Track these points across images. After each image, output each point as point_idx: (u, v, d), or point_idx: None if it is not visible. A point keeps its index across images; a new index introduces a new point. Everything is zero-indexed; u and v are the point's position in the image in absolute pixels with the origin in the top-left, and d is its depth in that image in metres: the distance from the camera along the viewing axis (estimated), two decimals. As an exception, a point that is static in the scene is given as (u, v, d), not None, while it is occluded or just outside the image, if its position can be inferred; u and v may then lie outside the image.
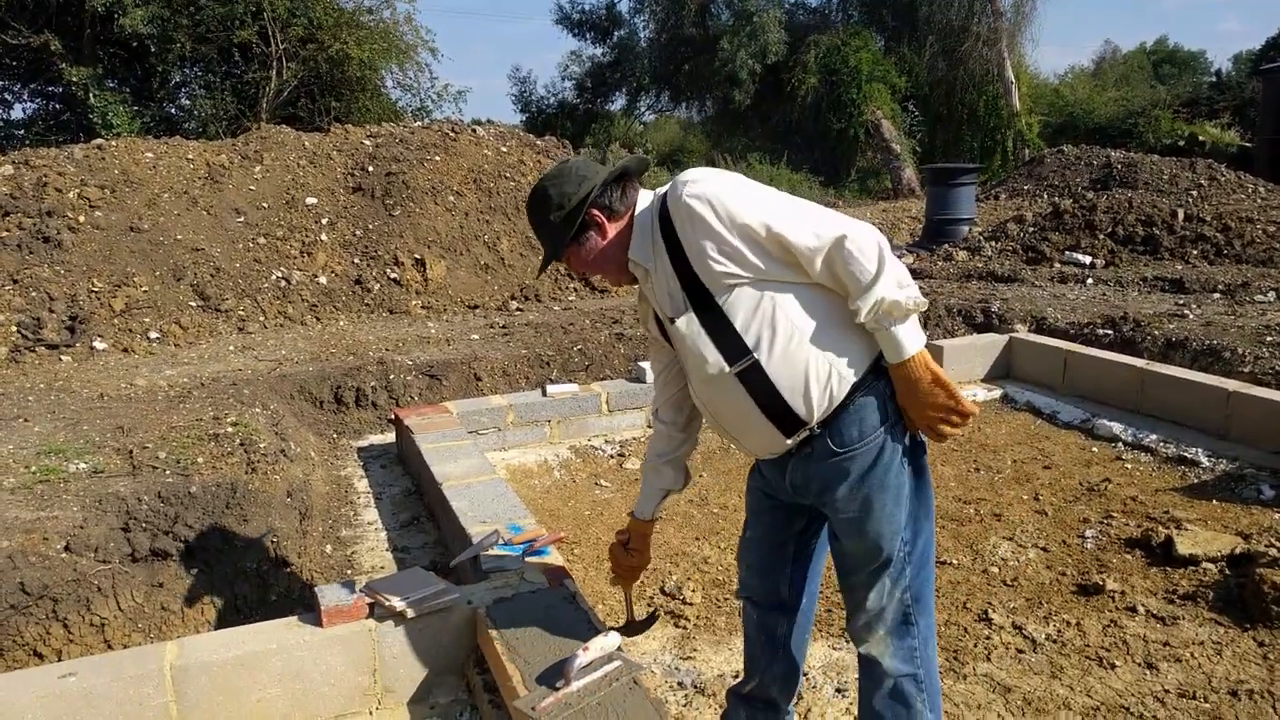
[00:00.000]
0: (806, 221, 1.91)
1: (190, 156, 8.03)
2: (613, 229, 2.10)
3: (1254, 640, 3.10)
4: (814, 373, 1.93)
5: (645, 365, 5.59)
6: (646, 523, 2.42)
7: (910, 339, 1.90)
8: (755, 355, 1.94)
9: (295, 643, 2.62)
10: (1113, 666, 3.02)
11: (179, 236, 7.08)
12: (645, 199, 2.12)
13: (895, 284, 1.86)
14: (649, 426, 5.54)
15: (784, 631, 2.35)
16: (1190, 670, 2.97)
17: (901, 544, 2.02)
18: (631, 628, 2.60)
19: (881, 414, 1.96)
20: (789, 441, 2.01)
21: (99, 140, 8.29)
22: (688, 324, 2.00)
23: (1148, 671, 2.98)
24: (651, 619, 2.64)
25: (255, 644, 2.60)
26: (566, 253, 2.13)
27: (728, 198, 1.92)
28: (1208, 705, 2.78)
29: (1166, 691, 2.87)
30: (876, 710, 2.15)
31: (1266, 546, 3.50)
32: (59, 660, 2.82)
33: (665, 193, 2.02)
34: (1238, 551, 3.55)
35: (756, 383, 1.96)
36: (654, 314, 2.19)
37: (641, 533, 2.43)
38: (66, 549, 2.98)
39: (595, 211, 2.07)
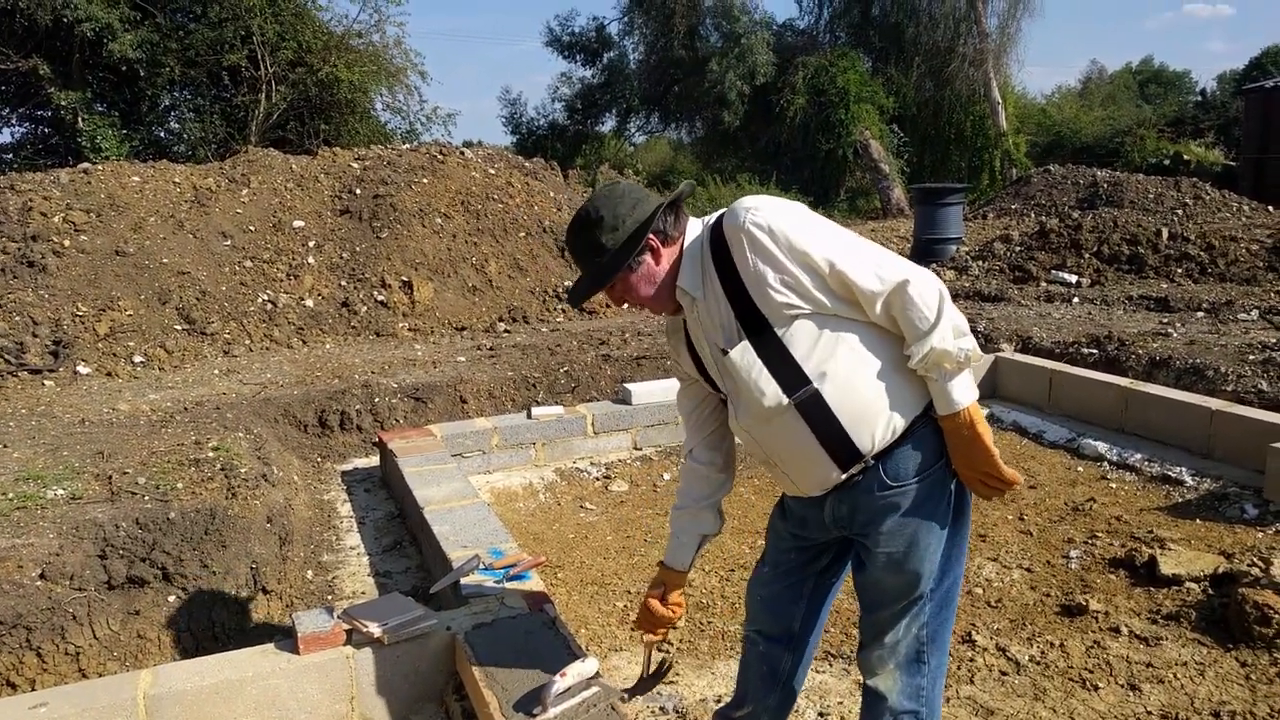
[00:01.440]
0: (870, 262, 1.89)
1: (177, 180, 8.03)
2: (666, 256, 2.03)
3: (1236, 660, 3.09)
4: (876, 404, 1.91)
5: (631, 388, 5.59)
6: (683, 573, 2.31)
7: (961, 392, 1.88)
8: (816, 385, 1.91)
9: (271, 670, 2.60)
10: (1096, 688, 3.01)
11: (165, 260, 7.07)
12: (695, 227, 2.06)
13: (952, 333, 1.85)
14: (635, 449, 5.54)
15: (788, 666, 2.33)
16: (1173, 691, 2.96)
17: (932, 582, 2.00)
18: (644, 683, 2.46)
19: (937, 451, 1.94)
20: (843, 476, 1.97)
21: (85, 164, 8.29)
22: (742, 354, 1.95)
23: (1131, 693, 2.97)
24: (662, 670, 2.48)
25: (231, 672, 2.57)
26: (615, 279, 2.01)
27: (791, 229, 1.89)
28: (1190, 727, 2.77)
29: (1149, 713, 2.86)
30: None
31: (1249, 566, 3.50)
32: (32, 690, 2.78)
33: (717, 220, 1.99)
34: (1220, 571, 3.55)
35: (816, 414, 1.92)
36: (688, 348, 2.13)
37: (679, 585, 2.32)
38: (42, 577, 2.95)
39: (651, 236, 2.00)
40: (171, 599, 3.16)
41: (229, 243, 7.60)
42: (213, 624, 3.19)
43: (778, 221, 1.89)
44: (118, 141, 15.09)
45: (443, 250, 8.17)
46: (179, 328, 6.69)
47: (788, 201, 1.97)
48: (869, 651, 2.10)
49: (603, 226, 1.98)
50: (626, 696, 2.37)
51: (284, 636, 2.76)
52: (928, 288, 1.86)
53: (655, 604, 2.30)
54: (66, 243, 6.83)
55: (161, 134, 17.27)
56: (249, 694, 2.56)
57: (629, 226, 1.98)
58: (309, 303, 7.42)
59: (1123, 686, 3.01)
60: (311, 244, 7.90)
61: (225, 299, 7.10)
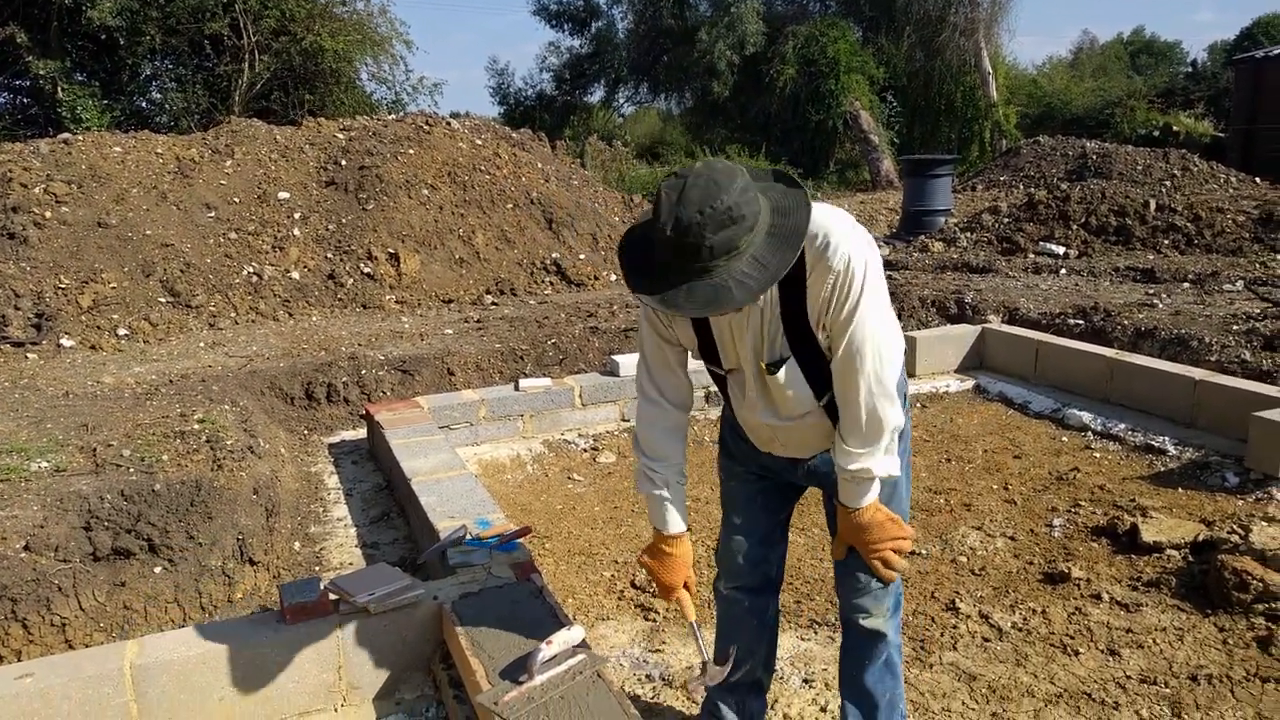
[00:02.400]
0: (874, 360, 1.91)
1: (159, 151, 7.94)
2: None
3: (1214, 626, 3.14)
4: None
5: (618, 359, 5.59)
6: (683, 535, 2.20)
7: (873, 493, 2.02)
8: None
9: (259, 640, 2.60)
10: (1076, 654, 3.05)
11: (148, 232, 7.00)
12: None
13: (884, 457, 1.98)
14: (623, 420, 5.54)
15: (772, 611, 2.49)
16: (1152, 656, 3.00)
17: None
18: (709, 670, 2.24)
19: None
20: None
21: (65, 135, 8.18)
22: (788, 371, 1.96)
23: (1110, 658, 3.01)
24: (728, 655, 2.34)
25: (218, 642, 2.58)
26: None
27: (875, 269, 1.86)
28: (1168, 690, 2.82)
29: (1128, 677, 2.90)
30: (868, 684, 2.29)
31: (1229, 533, 3.54)
32: (18, 660, 2.78)
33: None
34: (1201, 539, 3.59)
35: (835, 411, 2.01)
36: (692, 322, 2.02)
37: (686, 550, 2.21)
38: (26, 548, 2.95)
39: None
40: (158, 570, 3.16)
41: (213, 214, 7.53)
42: (200, 595, 3.20)
43: (873, 272, 1.85)
44: (98, 112, 14.88)
45: (429, 222, 8.11)
46: (163, 300, 6.64)
47: (871, 245, 1.90)
48: (862, 598, 2.22)
49: (743, 224, 1.70)
50: (700, 690, 2.26)
51: (271, 607, 2.77)
52: (895, 417, 1.95)
53: (674, 577, 2.20)
54: (48, 214, 6.75)
55: (143, 104, 17.04)
56: (236, 664, 2.57)
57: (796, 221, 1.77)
58: (295, 275, 7.37)
59: (1103, 651, 3.05)
60: (297, 216, 7.83)
61: (210, 271, 7.04)
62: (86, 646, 2.88)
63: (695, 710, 2.70)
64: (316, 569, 3.61)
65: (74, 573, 2.98)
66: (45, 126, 14.75)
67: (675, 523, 2.18)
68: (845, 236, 1.82)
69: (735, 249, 1.69)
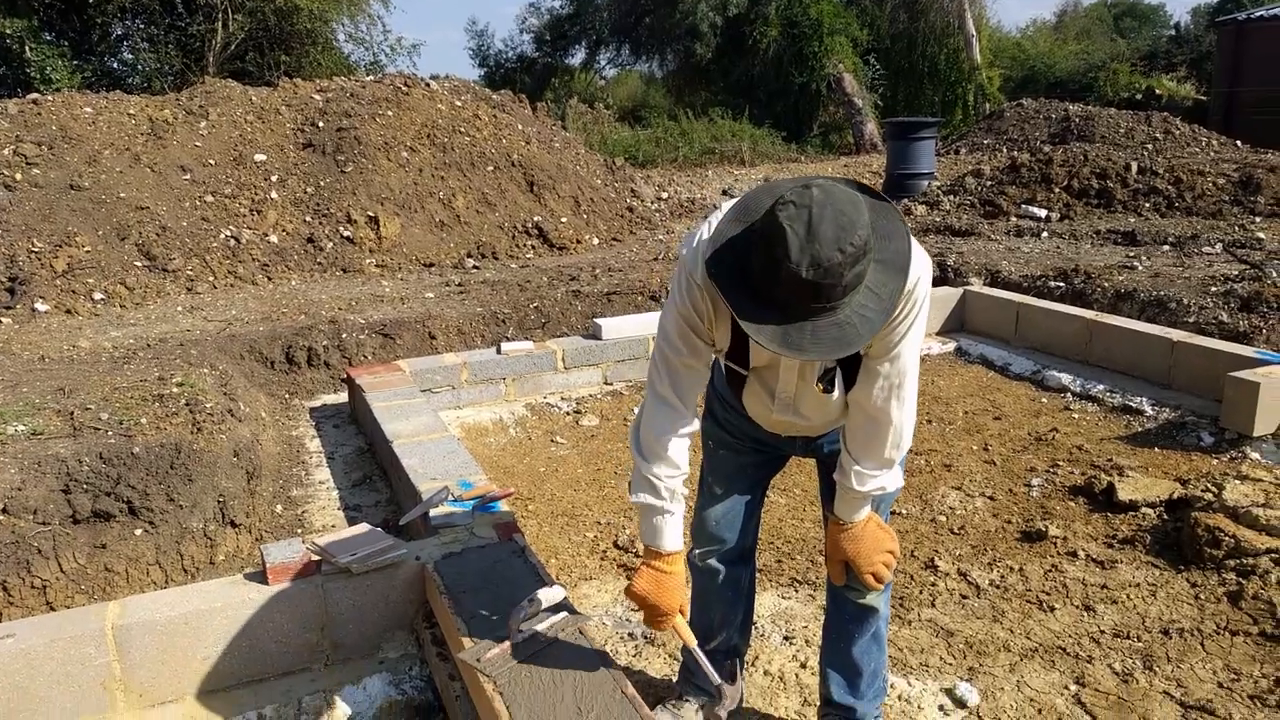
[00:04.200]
0: (914, 382, 1.94)
1: (132, 112, 7.78)
2: None
3: (1187, 581, 3.19)
4: None
5: (601, 323, 5.57)
6: (681, 553, 2.07)
7: (870, 505, 2.06)
8: None
9: (241, 600, 2.60)
10: (1052, 609, 3.10)
11: (122, 195, 6.88)
12: None
13: (896, 471, 2.02)
14: (606, 384, 5.54)
15: (747, 579, 2.49)
16: (1126, 611, 3.06)
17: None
18: (725, 692, 2.15)
19: None
20: None
21: (35, 95, 8.00)
22: (839, 390, 1.95)
23: (1085, 613, 3.06)
24: (734, 670, 2.33)
25: (200, 602, 2.58)
26: None
27: (920, 322, 1.86)
28: (1140, 644, 2.87)
29: (1102, 632, 2.95)
30: (854, 655, 2.32)
31: (1203, 491, 3.59)
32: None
33: None
34: (1175, 497, 3.64)
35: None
36: (733, 329, 1.91)
37: (682, 569, 2.08)
38: (4, 511, 2.93)
39: None
40: (139, 533, 3.15)
41: (188, 177, 7.41)
42: (181, 557, 3.19)
43: (925, 306, 1.84)
44: (68, 72, 14.52)
45: (409, 185, 8.02)
46: (139, 264, 6.55)
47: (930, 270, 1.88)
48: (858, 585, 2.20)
49: (869, 256, 1.60)
50: (721, 717, 2.15)
51: (254, 569, 2.76)
52: (909, 436, 1.99)
53: (666, 599, 2.04)
54: (18, 176, 6.62)
55: (114, 64, 16.64)
56: (219, 624, 2.57)
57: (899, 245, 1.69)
58: (273, 239, 7.28)
59: (1078, 607, 3.10)
60: (274, 178, 7.72)
61: (186, 235, 6.94)
62: (68, 608, 2.87)
63: (675, 667, 2.73)
64: (299, 531, 3.61)
65: (54, 535, 2.96)
66: (14, 88, 14.39)
67: (675, 540, 2.03)
68: (925, 269, 1.79)
69: (861, 283, 1.60)
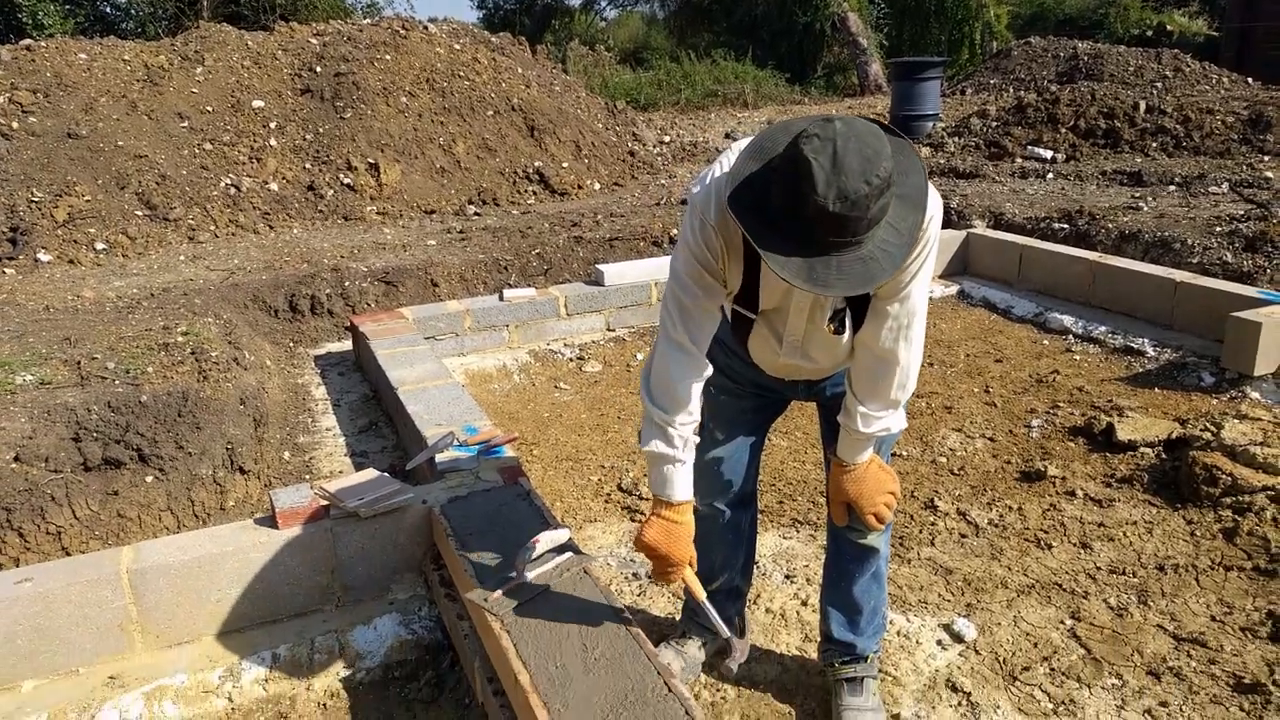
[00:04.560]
0: (922, 323, 1.95)
1: (126, 58, 7.68)
2: None
3: (1183, 519, 3.24)
4: None
5: (603, 269, 5.56)
6: (691, 502, 2.05)
7: (873, 447, 2.09)
8: None
9: (252, 544, 2.65)
10: (1049, 547, 3.15)
11: (120, 143, 6.83)
12: None
13: (900, 413, 2.05)
14: (609, 330, 5.56)
15: (748, 522, 2.50)
16: (1122, 548, 3.10)
17: None
18: (735, 645, 2.12)
19: None
20: None
21: (27, 41, 7.89)
22: (849, 334, 1.96)
23: (1082, 551, 3.11)
24: (743, 626, 2.29)
25: (212, 547, 2.63)
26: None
27: (931, 261, 1.86)
28: (1135, 580, 2.92)
29: (1098, 568, 3.00)
30: (855, 594, 2.35)
31: (1201, 431, 3.62)
32: (16, 567, 2.83)
33: None
34: (1174, 436, 3.67)
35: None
36: (744, 268, 1.91)
37: (692, 519, 2.06)
38: (16, 459, 2.97)
39: None
40: (149, 480, 3.20)
41: (186, 124, 7.34)
42: (192, 503, 3.24)
43: (935, 246, 1.84)
44: (61, 17, 14.32)
45: (408, 130, 7.94)
46: (140, 213, 6.53)
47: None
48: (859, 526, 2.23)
49: (892, 189, 1.58)
50: (733, 670, 2.11)
51: (264, 515, 2.81)
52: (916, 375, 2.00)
53: (669, 541, 2.02)
54: (14, 124, 6.57)
55: (107, 9, 16.41)
56: (231, 567, 2.63)
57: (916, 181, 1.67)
58: (273, 186, 7.24)
59: (1075, 545, 3.15)
60: (273, 125, 7.65)
61: (186, 184, 6.91)
62: (83, 553, 2.93)
63: (679, 606, 2.79)
64: (307, 477, 3.65)
65: (66, 483, 3.01)
66: (6, 34, 14.20)
67: (685, 489, 2.01)
68: (938, 207, 1.78)
69: (884, 217, 1.58)
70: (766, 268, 1.85)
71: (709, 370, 1.99)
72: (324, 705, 2.51)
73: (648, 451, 2.01)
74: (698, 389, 1.97)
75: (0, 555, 2.87)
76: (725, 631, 2.10)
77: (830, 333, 1.95)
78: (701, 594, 2.10)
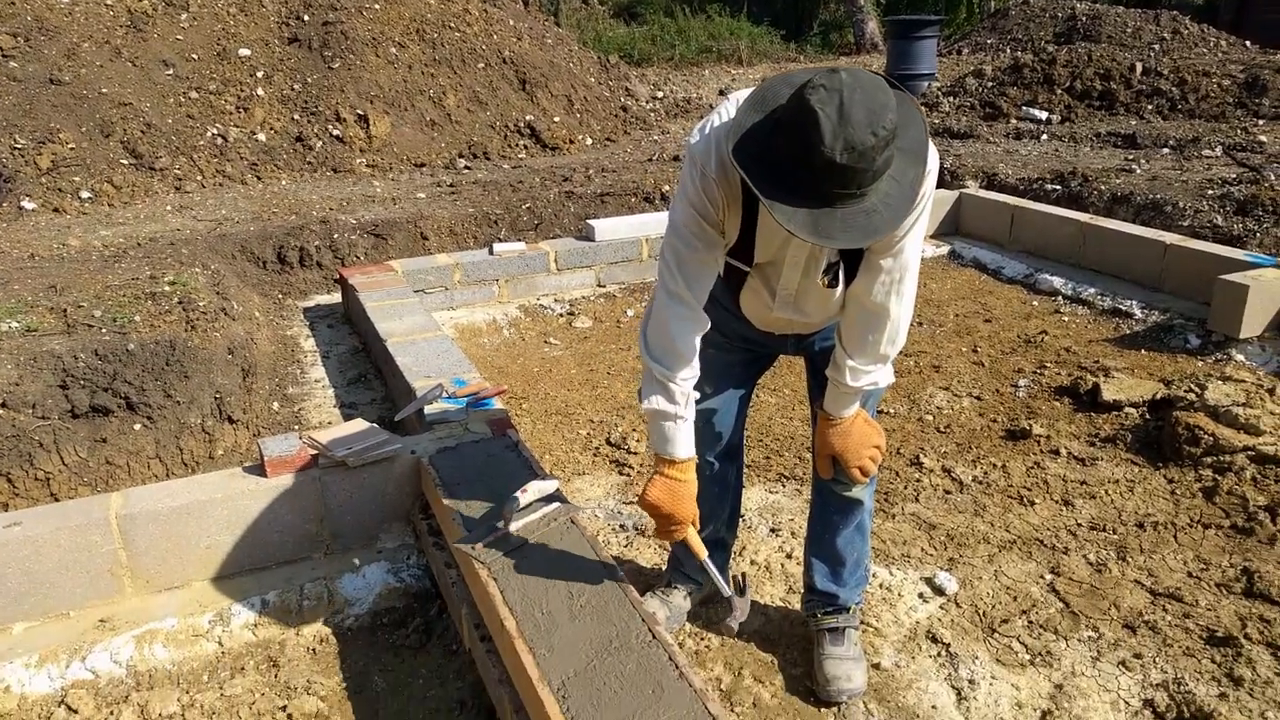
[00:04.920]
0: (914, 278, 1.94)
1: (109, 1, 7.52)
2: None
3: (1164, 478, 3.28)
4: None
5: (594, 224, 5.54)
6: (694, 460, 2.04)
7: (859, 401, 2.10)
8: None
9: (240, 492, 2.67)
10: (1032, 504, 3.19)
11: (104, 90, 6.72)
12: None
13: (888, 367, 2.06)
14: (599, 285, 5.54)
15: (734, 475, 2.53)
16: (1103, 506, 3.15)
17: None
18: (736, 604, 2.10)
19: None
20: None
21: (8, -17, 7.71)
22: (841, 288, 1.96)
23: (1064, 508, 3.15)
24: (743, 584, 2.24)
25: (200, 494, 2.64)
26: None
27: (924, 221, 1.86)
28: (1115, 536, 2.97)
29: (1079, 525, 3.04)
30: (838, 545, 2.39)
31: (1186, 391, 3.65)
32: (5, 512, 2.84)
33: None
34: (1159, 397, 3.70)
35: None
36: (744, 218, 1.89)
37: (695, 477, 2.04)
38: (3, 405, 2.96)
39: None
40: (138, 427, 3.19)
41: (171, 72, 7.22)
42: (181, 452, 3.25)
43: (930, 201, 1.83)
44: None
45: (398, 82, 7.83)
46: (125, 162, 6.44)
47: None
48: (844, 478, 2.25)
49: (896, 141, 1.57)
50: (733, 628, 2.10)
51: (253, 464, 2.82)
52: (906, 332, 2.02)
53: (681, 509, 2.01)
54: (-4, 70, 6.45)
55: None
56: (220, 514, 2.64)
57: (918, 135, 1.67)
58: (261, 137, 7.15)
59: (1057, 502, 3.19)
60: (260, 74, 7.52)
61: (172, 132, 6.81)
62: (72, 499, 2.93)
63: (665, 556, 2.82)
64: (295, 428, 3.66)
65: (54, 429, 3.01)
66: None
67: (688, 446, 2.00)
68: (935, 162, 1.77)
69: (887, 169, 1.57)
70: (764, 220, 1.86)
71: (706, 323, 1.97)
72: (313, 650, 2.54)
73: (648, 409, 1.99)
74: (696, 342, 1.96)
75: (-11, 500, 2.87)
76: (727, 590, 2.10)
77: (824, 286, 1.96)
78: (703, 553, 2.08)
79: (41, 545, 2.45)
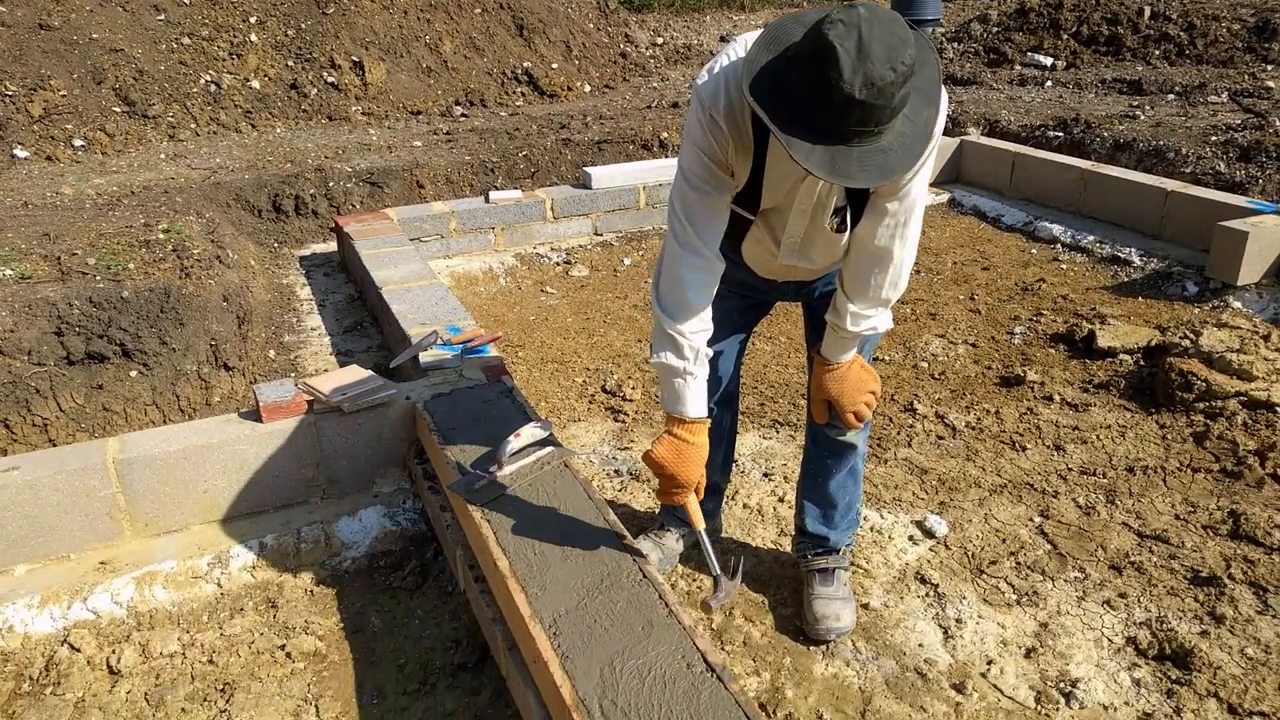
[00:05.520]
0: (918, 222, 1.93)
1: (98, -55, 7.38)
2: None
3: (1156, 423, 3.29)
4: None
5: (591, 171, 5.49)
6: (706, 421, 1.97)
7: (857, 347, 2.11)
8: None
9: (236, 437, 2.68)
10: (1024, 449, 3.21)
11: (95, 35, 6.63)
12: None
13: (887, 312, 2.06)
14: (595, 234, 5.52)
15: (727, 423, 2.53)
16: (1094, 450, 3.17)
17: None
18: (723, 585, 2.06)
19: None
20: None
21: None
22: (847, 234, 1.94)
23: (1055, 452, 3.17)
24: (737, 567, 2.15)
25: (197, 439, 2.66)
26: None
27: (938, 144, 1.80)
28: (1105, 480, 2.99)
29: (1069, 469, 3.07)
30: (830, 489, 2.42)
31: (1181, 339, 3.64)
32: (3, 456, 2.86)
33: None
34: (1153, 344, 3.70)
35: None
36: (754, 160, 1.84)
37: (706, 440, 1.97)
38: (-1, 352, 2.98)
39: None
40: (134, 374, 3.21)
41: (162, 17, 7.11)
42: (178, 398, 3.26)
43: (938, 143, 1.78)
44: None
45: (394, 28, 7.71)
46: (118, 110, 6.38)
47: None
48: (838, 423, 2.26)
49: (912, 77, 1.52)
50: (711, 608, 2.07)
51: (249, 409, 2.84)
52: (907, 276, 2.01)
53: (679, 459, 1.94)
54: (-16, 15, 6.36)
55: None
56: (216, 459, 2.66)
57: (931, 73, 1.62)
58: (255, 84, 7.06)
59: (1049, 447, 3.21)
60: (253, 20, 7.41)
61: (165, 79, 6.73)
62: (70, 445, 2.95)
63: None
64: (292, 375, 3.67)
65: (50, 375, 3.02)
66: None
67: (698, 405, 1.93)
68: (945, 103, 1.73)
69: (904, 107, 1.53)
70: (772, 164, 1.83)
71: (719, 269, 1.92)
72: (311, 592, 2.58)
73: (657, 364, 1.94)
74: (710, 294, 1.91)
75: (-13, 446, 2.90)
76: (715, 570, 2.05)
77: (832, 231, 1.93)
78: (701, 524, 2.04)
79: (40, 489, 2.47)
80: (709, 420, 1.97)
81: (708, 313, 1.91)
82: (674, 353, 1.90)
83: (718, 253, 1.90)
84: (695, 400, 1.93)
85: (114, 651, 2.32)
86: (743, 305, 2.34)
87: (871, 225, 1.90)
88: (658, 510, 2.79)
